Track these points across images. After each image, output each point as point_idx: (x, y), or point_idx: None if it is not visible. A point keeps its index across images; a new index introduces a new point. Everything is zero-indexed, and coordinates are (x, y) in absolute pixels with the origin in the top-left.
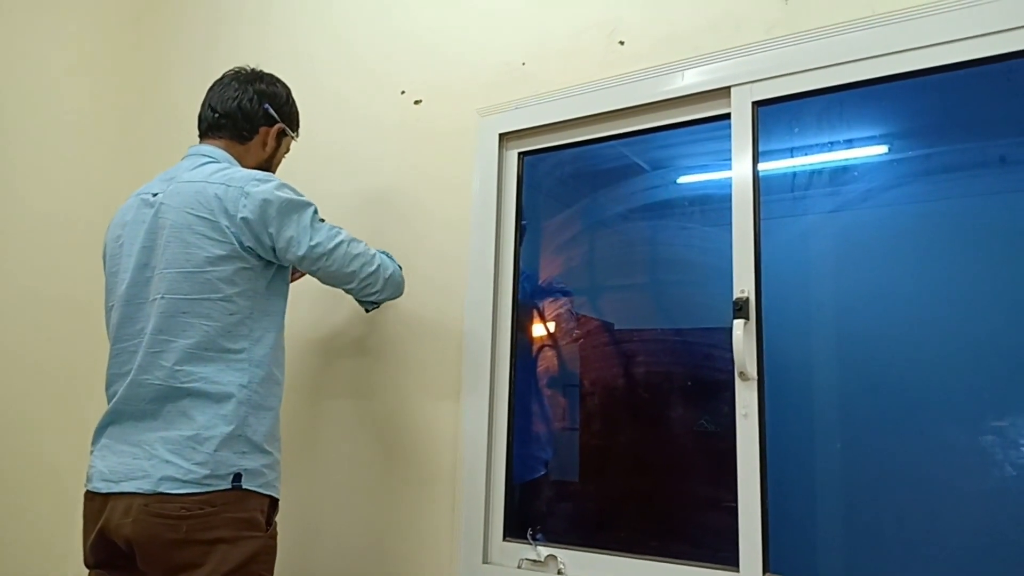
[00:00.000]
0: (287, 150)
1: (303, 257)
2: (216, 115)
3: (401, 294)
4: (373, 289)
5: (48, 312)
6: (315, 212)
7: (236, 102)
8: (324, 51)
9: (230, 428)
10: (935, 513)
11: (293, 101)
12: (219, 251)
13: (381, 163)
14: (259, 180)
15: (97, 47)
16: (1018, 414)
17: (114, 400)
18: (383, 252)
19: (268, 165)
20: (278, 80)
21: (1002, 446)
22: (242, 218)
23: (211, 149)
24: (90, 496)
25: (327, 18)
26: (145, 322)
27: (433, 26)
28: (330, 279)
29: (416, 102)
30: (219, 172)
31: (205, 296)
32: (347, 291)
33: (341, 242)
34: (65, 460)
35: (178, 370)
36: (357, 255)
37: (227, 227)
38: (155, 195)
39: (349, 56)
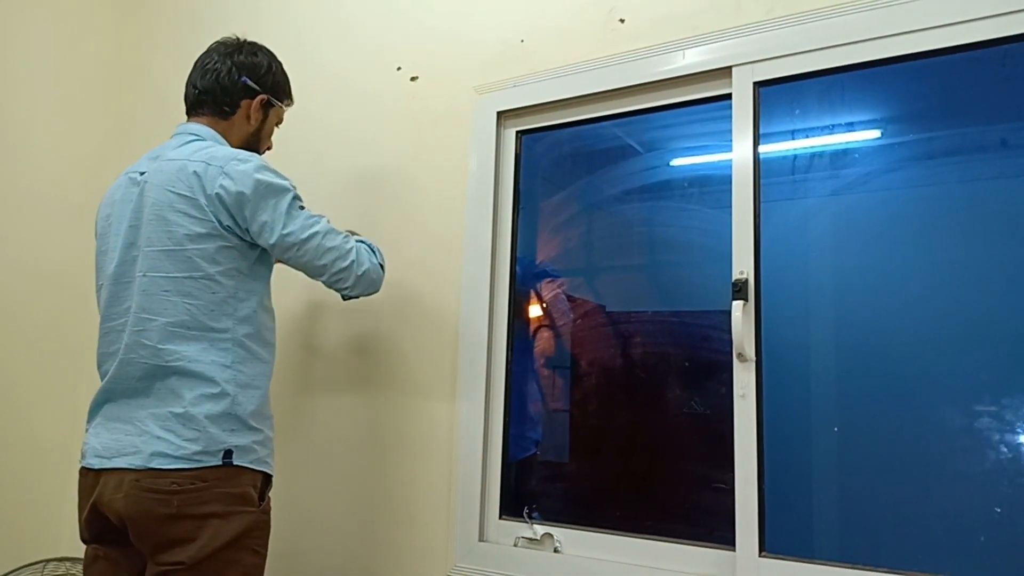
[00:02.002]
0: (278, 120)
1: (274, 245)
2: (197, 91)
3: (376, 291)
4: (344, 284)
5: (37, 289)
6: (294, 198)
7: (214, 77)
8: (319, 26)
9: (218, 407)
10: (930, 494)
11: (278, 69)
12: (199, 229)
13: (377, 140)
14: (240, 160)
15: (85, 23)
16: (1013, 396)
17: (106, 379)
18: (367, 245)
19: (256, 138)
20: (260, 49)
21: (998, 428)
22: (216, 194)
23: (197, 127)
24: (84, 472)
25: None
26: (130, 301)
27: (430, 2)
28: (301, 269)
29: (413, 79)
30: (202, 150)
31: (187, 275)
32: (319, 281)
33: (315, 233)
34: (57, 437)
35: (162, 348)
36: (330, 248)
37: (206, 205)
38: (142, 174)
39: (344, 31)
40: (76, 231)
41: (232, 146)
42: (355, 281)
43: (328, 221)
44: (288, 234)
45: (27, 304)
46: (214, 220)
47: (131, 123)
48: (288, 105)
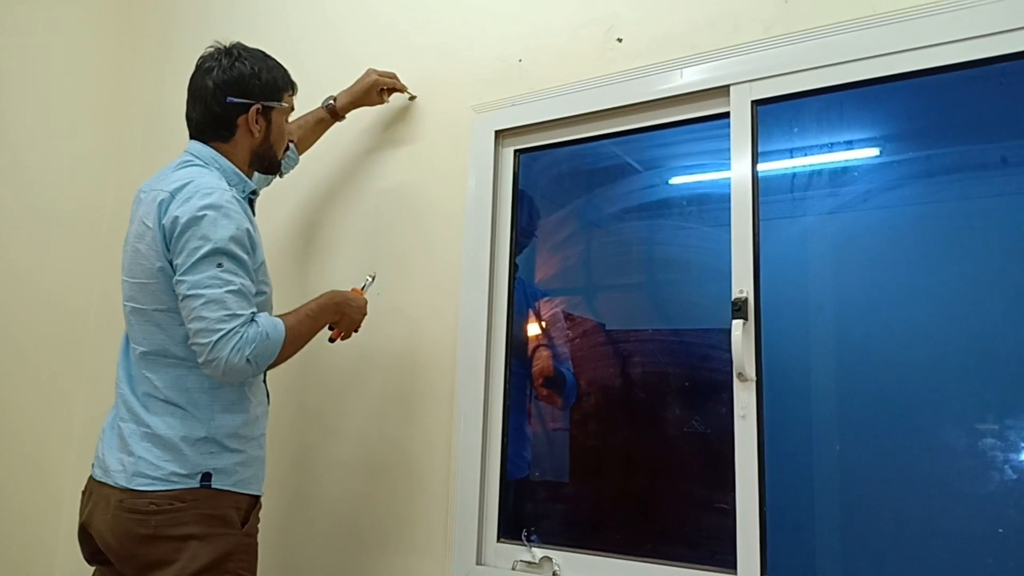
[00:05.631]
0: (289, 111)
1: (174, 285)
2: (194, 122)
3: (229, 380)
4: (199, 357)
5: (33, 307)
6: (215, 252)
7: (203, 105)
8: (317, 46)
9: (195, 431)
10: (933, 515)
11: (266, 67)
12: (159, 262)
13: (376, 159)
14: (195, 194)
15: (86, 41)
16: (1017, 416)
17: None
18: (260, 335)
19: (268, 145)
20: (241, 54)
21: (1001, 448)
22: (163, 224)
23: (199, 147)
24: (88, 481)
25: (320, 12)
26: (126, 324)
27: (428, 21)
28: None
29: (411, 98)
30: (180, 180)
31: (154, 307)
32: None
33: (198, 295)
34: (51, 458)
35: (147, 376)
36: (201, 317)
37: (159, 235)
38: (143, 195)
39: (342, 51)
40: (71, 248)
41: (245, 161)
42: (206, 360)
43: (235, 291)
44: (181, 281)
45: (22, 321)
46: (164, 251)
47: (129, 141)
48: (291, 97)
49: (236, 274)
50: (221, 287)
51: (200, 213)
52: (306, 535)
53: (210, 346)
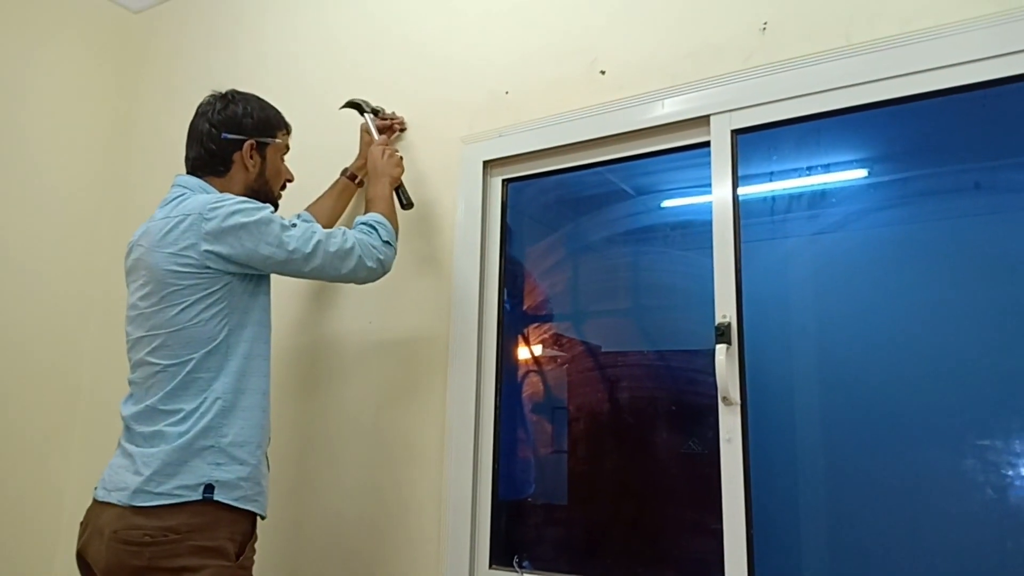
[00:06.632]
0: (284, 151)
1: (284, 262)
2: (190, 161)
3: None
4: (362, 282)
5: (39, 334)
6: (275, 223)
7: (199, 143)
8: (306, 76)
9: (203, 441)
10: (920, 535)
11: (259, 106)
12: (193, 280)
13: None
14: (214, 206)
15: (89, 76)
16: (998, 435)
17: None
18: (363, 228)
19: (263, 180)
20: (235, 96)
21: (983, 469)
22: (205, 251)
23: (187, 179)
24: (87, 511)
25: (307, 41)
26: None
27: (417, 55)
28: (322, 277)
29: (401, 130)
30: (178, 206)
31: (177, 328)
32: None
33: (292, 252)
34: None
35: (157, 390)
36: (324, 264)
37: (193, 255)
38: (140, 247)
39: (332, 84)
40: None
41: (240, 195)
42: (367, 276)
43: (305, 223)
44: (268, 258)
45: (30, 349)
46: (199, 268)
47: (127, 173)
48: (286, 136)
49: (290, 223)
50: (297, 231)
51: (238, 216)
52: (294, 561)
53: (360, 266)
